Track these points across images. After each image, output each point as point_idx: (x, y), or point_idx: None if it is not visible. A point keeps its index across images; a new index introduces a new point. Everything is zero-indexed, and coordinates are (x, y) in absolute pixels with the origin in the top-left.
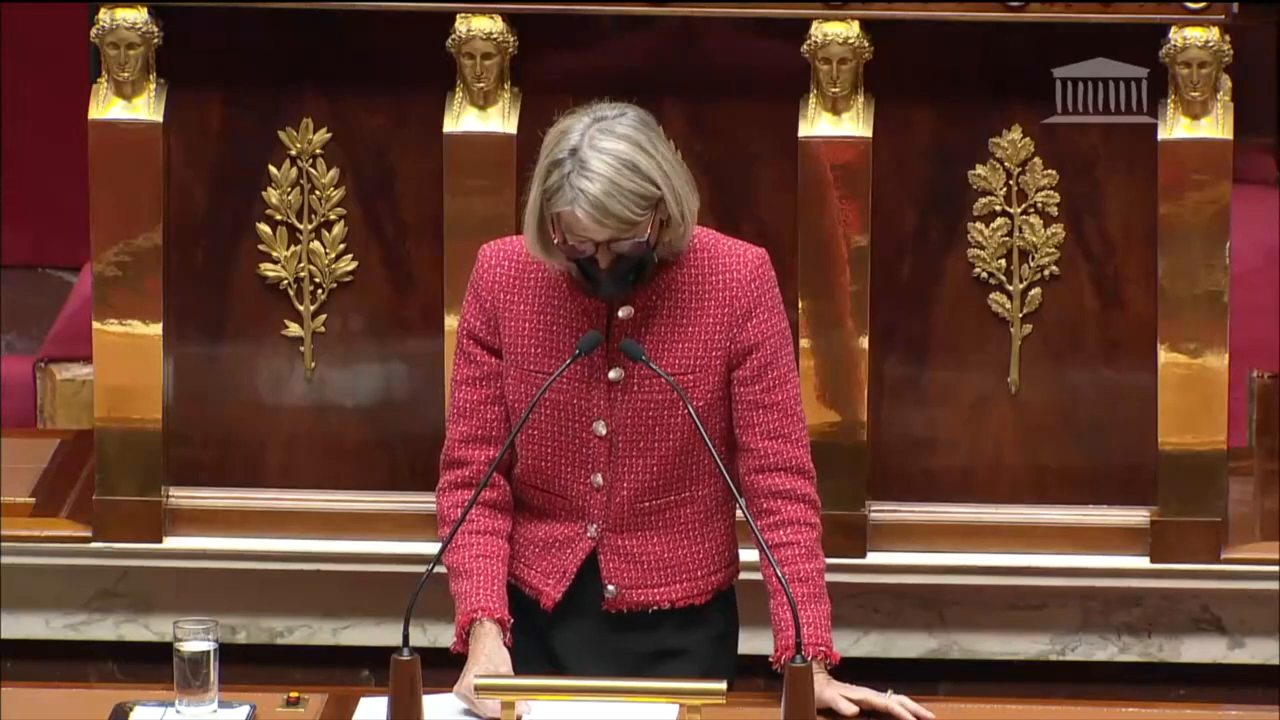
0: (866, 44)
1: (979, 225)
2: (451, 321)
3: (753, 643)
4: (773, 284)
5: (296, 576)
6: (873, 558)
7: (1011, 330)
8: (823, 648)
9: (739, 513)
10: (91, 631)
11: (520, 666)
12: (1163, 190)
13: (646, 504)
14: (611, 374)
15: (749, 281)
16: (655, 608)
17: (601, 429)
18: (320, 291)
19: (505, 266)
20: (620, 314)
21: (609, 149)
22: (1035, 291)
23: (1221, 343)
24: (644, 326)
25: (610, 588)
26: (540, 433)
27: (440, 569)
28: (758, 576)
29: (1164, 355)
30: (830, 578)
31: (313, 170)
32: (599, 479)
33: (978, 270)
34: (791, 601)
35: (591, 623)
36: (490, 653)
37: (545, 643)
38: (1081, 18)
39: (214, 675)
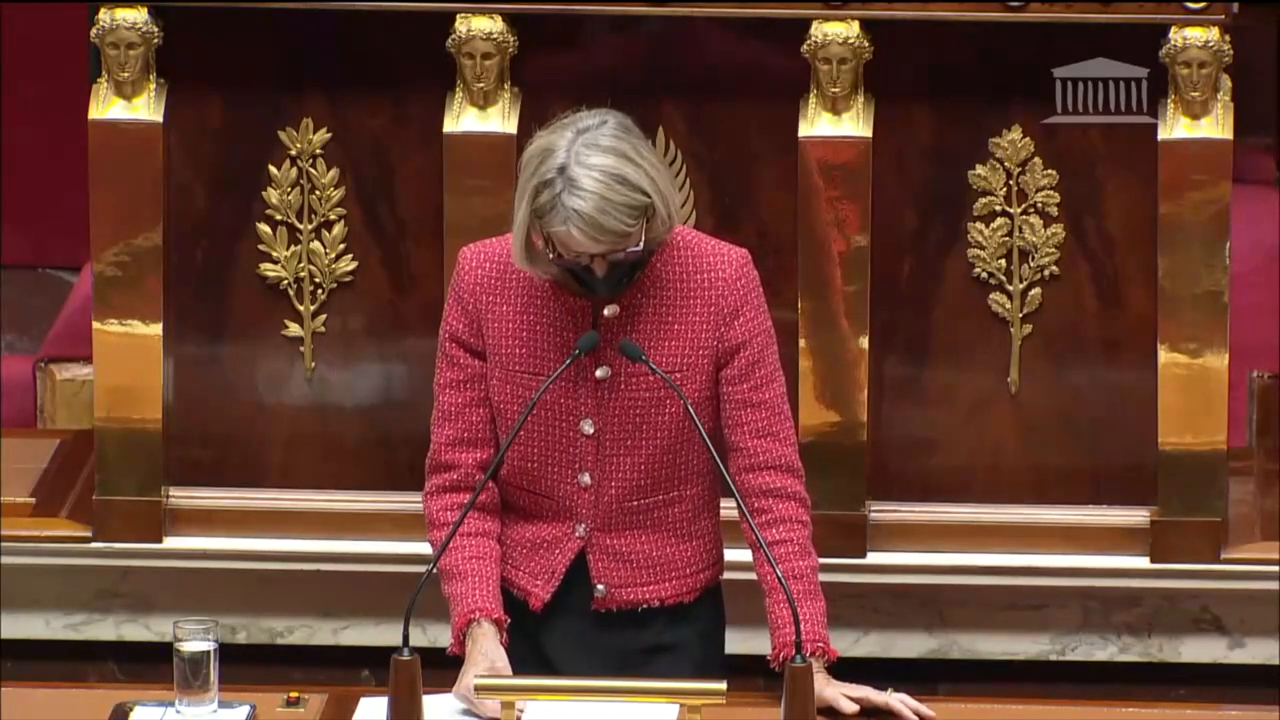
0: (866, 44)
1: (979, 225)
2: None
3: (749, 643)
4: (757, 283)
5: (296, 576)
6: (873, 558)
7: (1011, 330)
8: (820, 644)
9: (726, 510)
10: (91, 631)
11: (511, 668)
12: (1163, 190)
13: (634, 503)
14: (599, 372)
15: (735, 280)
16: (645, 606)
17: (588, 428)
18: (320, 291)
19: (487, 268)
20: (606, 312)
21: (597, 164)
22: (1035, 291)
23: (1221, 343)
24: (630, 325)
25: (600, 587)
26: (527, 432)
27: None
28: (748, 576)
29: (1164, 355)
30: (830, 578)
31: (313, 170)
32: (586, 478)
33: (978, 270)
34: (791, 600)
35: (581, 622)
36: (489, 653)
37: (535, 643)
38: (1081, 18)
39: (214, 675)
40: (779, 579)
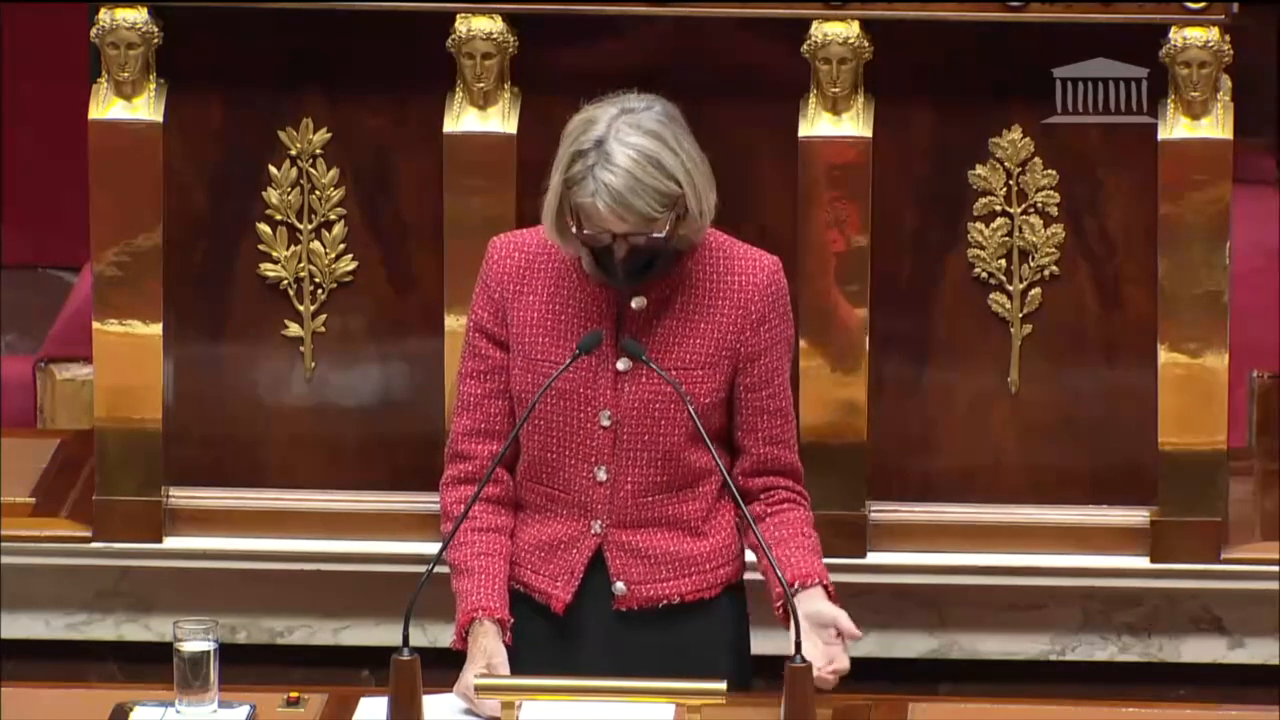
0: (866, 44)
1: (979, 225)
2: (451, 321)
3: (754, 643)
4: (786, 292)
5: (296, 576)
6: (873, 558)
7: (1011, 330)
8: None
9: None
10: (91, 631)
11: (537, 673)
12: (1163, 190)
13: (650, 499)
14: (619, 364)
15: (765, 287)
16: (666, 602)
17: (606, 420)
18: (320, 291)
19: (515, 258)
20: (633, 304)
21: (634, 143)
22: (1035, 291)
23: (1221, 343)
24: (656, 319)
25: (619, 584)
26: (545, 422)
27: (441, 568)
28: (747, 577)
29: (1164, 355)
30: (830, 577)
31: (313, 170)
32: (602, 473)
33: (978, 270)
34: (769, 555)
35: (605, 624)
36: (489, 651)
37: (560, 647)
38: (1081, 18)
39: (214, 675)
40: (789, 533)
